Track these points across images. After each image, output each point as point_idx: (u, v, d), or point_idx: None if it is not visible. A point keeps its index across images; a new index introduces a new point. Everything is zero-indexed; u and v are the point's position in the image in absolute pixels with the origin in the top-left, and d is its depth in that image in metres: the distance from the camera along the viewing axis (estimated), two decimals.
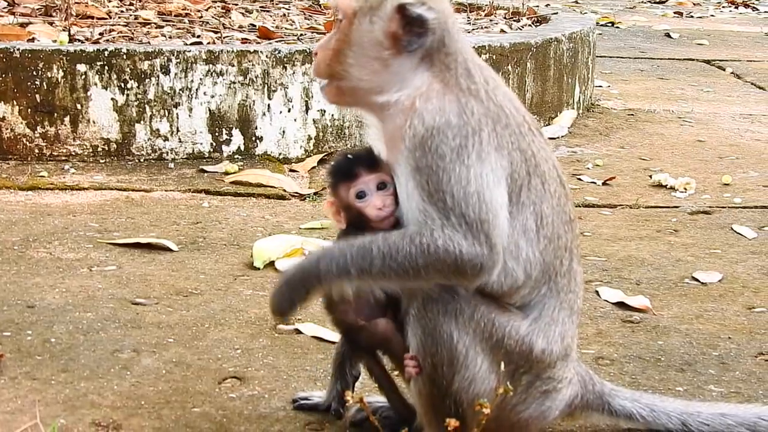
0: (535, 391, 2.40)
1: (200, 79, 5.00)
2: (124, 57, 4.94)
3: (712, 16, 12.93)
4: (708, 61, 8.97)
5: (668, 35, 10.53)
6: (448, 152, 2.25)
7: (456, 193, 2.25)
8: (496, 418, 2.33)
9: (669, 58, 9.04)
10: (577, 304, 2.46)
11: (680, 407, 2.61)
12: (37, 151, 4.94)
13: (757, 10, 13.78)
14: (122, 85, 4.94)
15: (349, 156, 2.48)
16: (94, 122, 4.95)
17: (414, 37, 2.30)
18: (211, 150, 5.07)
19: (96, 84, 4.92)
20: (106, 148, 4.98)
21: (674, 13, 12.94)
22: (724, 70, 8.59)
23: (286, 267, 2.41)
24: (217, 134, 5.07)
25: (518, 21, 7.24)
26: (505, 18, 7.41)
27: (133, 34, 5.72)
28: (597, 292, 3.59)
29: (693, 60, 9.03)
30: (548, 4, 11.08)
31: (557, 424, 2.57)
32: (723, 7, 14.01)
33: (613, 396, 2.59)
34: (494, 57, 5.62)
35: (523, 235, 2.33)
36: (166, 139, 5.02)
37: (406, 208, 2.32)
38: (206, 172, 4.88)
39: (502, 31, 6.57)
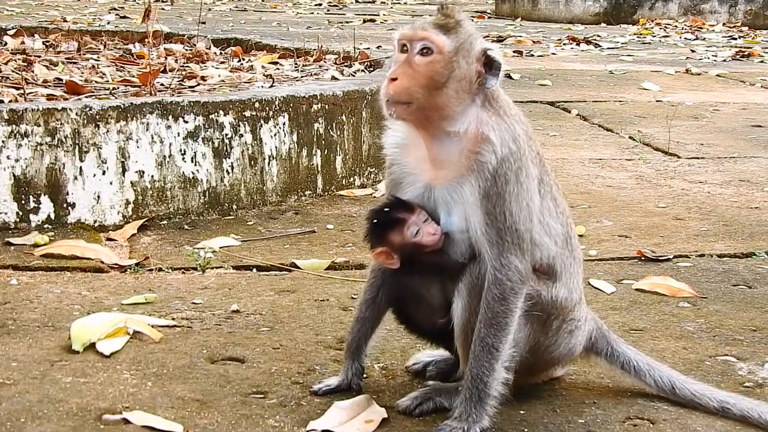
0: (564, 333, 3.20)
1: (2, 141, 4.90)
2: None
3: (554, 54, 13.32)
4: (552, 103, 9.22)
5: (509, 76, 10.77)
6: (513, 177, 2.98)
7: (515, 212, 3.00)
8: (534, 359, 3.18)
9: (512, 101, 9.22)
10: (580, 255, 3.29)
11: (673, 375, 3.35)
12: None
13: (600, 46, 14.24)
14: None
15: (385, 209, 3.14)
16: None
17: (491, 77, 3.02)
18: (18, 220, 4.96)
19: None
20: None
21: (514, 52, 13.27)
22: (569, 111, 8.85)
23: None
24: (23, 202, 4.96)
25: (350, 66, 7.32)
26: (336, 63, 7.49)
27: None
28: None
29: (537, 102, 9.28)
30: (380, 46, 11.25)
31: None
32: (564, 44, 14.44)
33: (618, 342, 3.42)
34: (327, 107, 5.66)
35: (548, 215, 3.13)
36: None
37: (468, 224, 3.03)
38: (13, 245, 4.77)
39: (334, 78, 6.64)
